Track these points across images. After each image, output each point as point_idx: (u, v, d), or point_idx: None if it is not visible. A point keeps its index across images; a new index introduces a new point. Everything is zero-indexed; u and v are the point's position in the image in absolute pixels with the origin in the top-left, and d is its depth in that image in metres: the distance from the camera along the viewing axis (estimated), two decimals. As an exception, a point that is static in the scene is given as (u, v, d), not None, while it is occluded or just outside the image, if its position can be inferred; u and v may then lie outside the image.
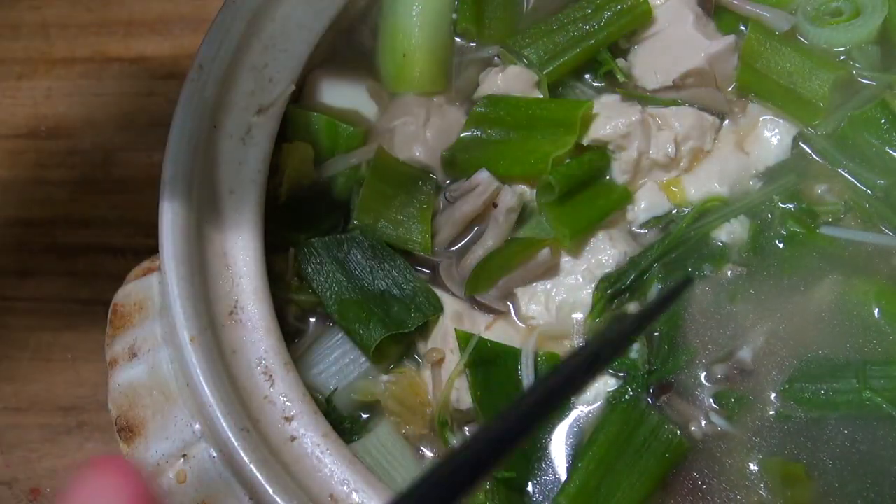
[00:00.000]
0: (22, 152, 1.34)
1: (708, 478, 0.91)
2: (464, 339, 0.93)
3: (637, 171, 1.01)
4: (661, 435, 0.89)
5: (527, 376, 0.92)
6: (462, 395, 0.93)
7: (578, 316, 0.97)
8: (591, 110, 1.01)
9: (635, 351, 0.93)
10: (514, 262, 0.97)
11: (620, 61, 1.07)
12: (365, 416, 0.96)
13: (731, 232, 0.99)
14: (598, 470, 0.88)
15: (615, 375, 0.94)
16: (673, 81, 1.05)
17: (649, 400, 0.93)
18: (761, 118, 1.04)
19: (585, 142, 1.01)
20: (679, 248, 0.98)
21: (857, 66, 1.05)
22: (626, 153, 1.00)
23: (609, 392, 0.93)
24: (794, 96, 1.02)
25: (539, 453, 0.91)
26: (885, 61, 1.05)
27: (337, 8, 1.07)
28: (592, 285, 0.97)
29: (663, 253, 0.97)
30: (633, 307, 0.96)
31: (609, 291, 0.96)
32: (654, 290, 0.97)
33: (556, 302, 0.97)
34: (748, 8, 1.06)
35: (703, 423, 0.92)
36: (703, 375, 0.94)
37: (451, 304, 0.96)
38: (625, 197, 1.00)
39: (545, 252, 0.97)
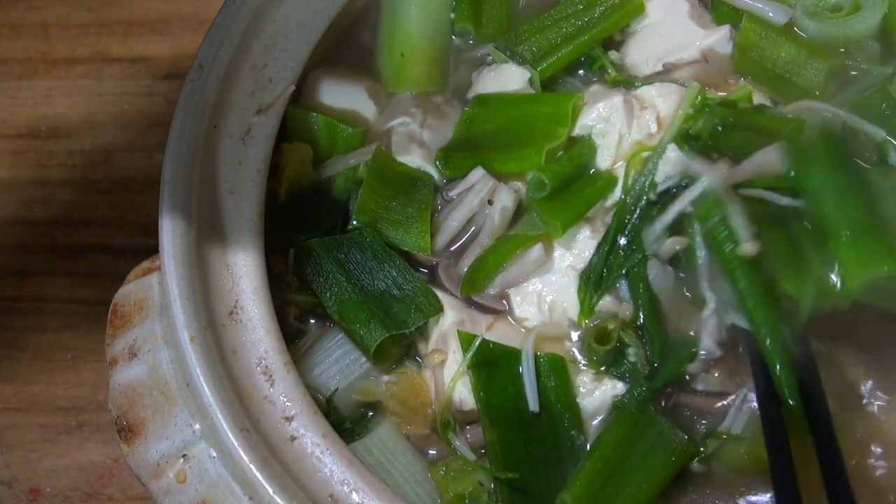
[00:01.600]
0: (22, 152, 1.34)
1: (709, 478, 0.91)
2: (466, 340, 0.93)
3: (619, 153, 1.00)
4: (668, 437, 0.89)
5: (528, 377, 0.92)
6: (464, 396, 0.93)
7: (572, 316, 0.96)
8: (582, 101, 1.01)
9: (633, 355, 0.92)
10: (509, 260, 0.97)
11: (613, 53, 1.07)
12: (366, 416, 0.96)
13: (665, 172, 0.96)
14: (604, 470, 0.88)
15: (622, 379, 0.93)
16: (663, 66, 1.05)
17: (658, 404, 0.92)
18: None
19: (574, 132, 1.01)
20: (629, 221, 0.96)
21: (857, 61, 1.05)
22: (609, 137, 1.00)
23: (616, 396, 0.93)
24: (790, 85, 1.02)
25: (544, 454, 0.91)
26: (885, 57, 1.04)
27: (337, 8, 1.07)
28: (576, 279, 0.96)
29: (617, 228, 0.95)
30: (608, 301, 0.95)
31: (590, 285, 0.95)
32: (619, 279, 0.95)
33: (548, 302, 0.96)
34: (746, 1, 1.06)
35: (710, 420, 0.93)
36: (696, 368, 0.94)
37: (451, 305, 0.96)
38: (610, 182, 0.99)
39: (538, 248, 0.97)
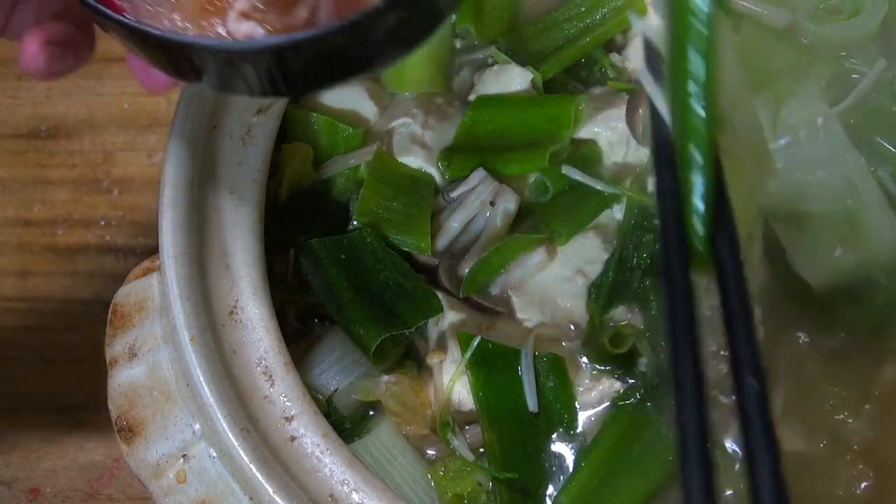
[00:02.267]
0: (22, 152, 1.34)
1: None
2: (465, 339, 0.93)
3: (626, 161, 1.00)
4: (666, 438, 0.89)
5: (527, 377, 0.92)
6: (463, 396, 0.93)
7: (575, 318, 0.96)
8: (584, 104, 1.01)
9: (644, 365, 0.92)
10: (511, 261, 0.97)
11: (615, 56, 1.07)
12: (366, 416, 0.96)
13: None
14: (600, 469, 0.88)
15: (622, 380, 0.93)
16: (665, 71, 1.05)
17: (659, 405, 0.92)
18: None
19: (578, 136, 1.01)
20: (636, 231, 0.95)
21: (856, 63, 1.05)
22: (617, 146, 1.00)
23: (615, 393, 0.93)
24: (791, 91, 1.02)
25: (542, 455, 0.91)
26: (886, 59, 1.04)
27: (337, 8, 1.06)
28: (584, 286, 0.96)
29: (624, 239, 0.95)
30: (620, 311, 0.95)
31: (600, 298, 0.95)
32: (634, 282, 0.95)
33: (551, 303, 0.96)
34: (745, 4, 1.06)
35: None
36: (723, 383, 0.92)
37: (451, 305, 0.96)
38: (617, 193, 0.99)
39: (541, 250, 0.97)
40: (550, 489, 0.90)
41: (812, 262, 0.93)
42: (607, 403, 0.93)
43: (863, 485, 0.87)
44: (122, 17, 0.55)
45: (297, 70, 0.56)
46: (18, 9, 0.67)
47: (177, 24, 0.57)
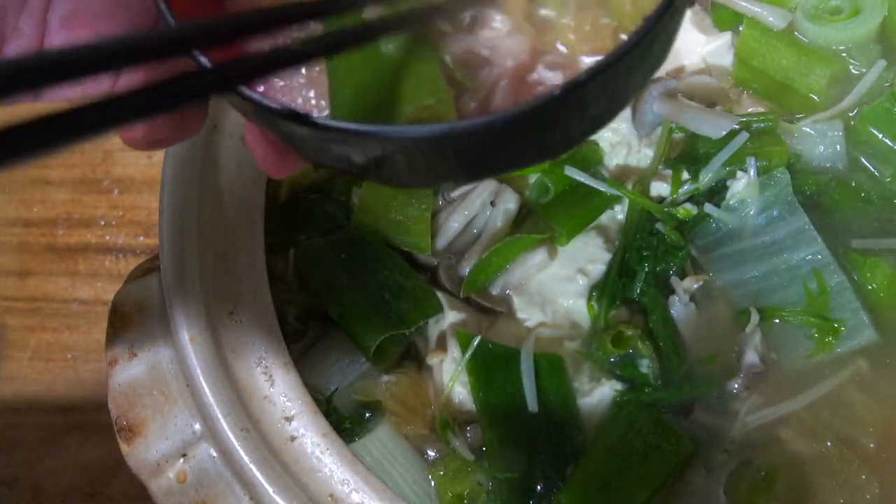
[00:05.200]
0: (22, 152, 1.34)
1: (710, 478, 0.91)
2: (465, 339, 0.93)
3: (627, 163, 1.01)
4: (668, 438, 0.89)
5: (527, 377, 0.92)
6: (463, 396, 0.93)
7: (576, 318, 0.96)
8: None
9: (646, 367, 0.92)
10: (511, 261, 0.97)
11: None
12: (365, 416, 0.96)
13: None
14: (601, 470, 0.88)
15: (623, 380, 0.93)
16: (666, 73, 1.05)
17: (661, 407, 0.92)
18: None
19: None
20: (639, 233, 0.96)
21: (856, 63, 1.05)
22: (618, 147, 1.00)
23: (616, 393, 0.93)
24: (791, 91, 1.02)
25: (542, 455, 0.91)
26: (886, 60, 1.04)
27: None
28: (585, 286, 0.96)
29: (627, 240, 0.96)
30: (622, 312, 0.95)
31: (602, 299, 0.95)
32: (637, 285, 0.96)
33: (551, 303, 0.96)
34: (745, 5, 1.06)
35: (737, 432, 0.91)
36: (726, 386, 0.92)
37: (451, 305, 0.96)
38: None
39: (542, 251, 0.97)
40: (550, 489, 0.90)
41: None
42: (608, 404, 0.93)
43: (867, 496, 0.85)
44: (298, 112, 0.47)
45: (454, 160, 0.49)
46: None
47: (310, 102, 0.51)
